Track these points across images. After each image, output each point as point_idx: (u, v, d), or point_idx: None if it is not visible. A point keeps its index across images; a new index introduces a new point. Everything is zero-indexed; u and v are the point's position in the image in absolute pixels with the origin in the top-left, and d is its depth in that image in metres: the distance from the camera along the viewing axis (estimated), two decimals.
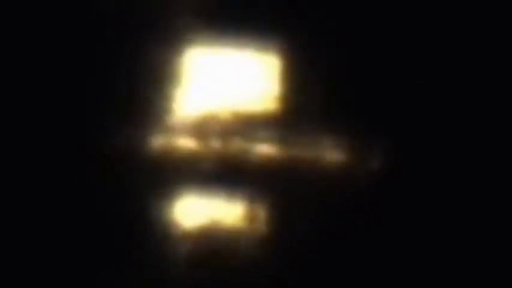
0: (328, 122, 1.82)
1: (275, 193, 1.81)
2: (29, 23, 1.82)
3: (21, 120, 1.81)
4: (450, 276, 1.80)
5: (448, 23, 1.84)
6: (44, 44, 1.82)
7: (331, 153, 1.82)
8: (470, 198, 1.81)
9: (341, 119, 1.82)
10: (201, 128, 1.82)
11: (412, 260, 1.80)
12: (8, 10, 1.81)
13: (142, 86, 1.82)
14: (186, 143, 1.82)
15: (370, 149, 1.82)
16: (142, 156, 1.80)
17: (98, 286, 1.78)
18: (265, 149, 1.82)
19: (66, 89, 1.81)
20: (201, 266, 1.80)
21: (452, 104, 1.83)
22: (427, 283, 1.80)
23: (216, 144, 1.82)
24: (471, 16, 1.84)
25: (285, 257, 1.80)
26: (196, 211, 1.82)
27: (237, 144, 1.81)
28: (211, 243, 1.80)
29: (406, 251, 1.79)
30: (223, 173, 1.81)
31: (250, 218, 1.81)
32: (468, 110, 1.83)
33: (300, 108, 1.82)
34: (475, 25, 1.84)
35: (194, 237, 1.80)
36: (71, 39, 1.82)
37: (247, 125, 1.82)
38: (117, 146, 1.80)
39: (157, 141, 1.81)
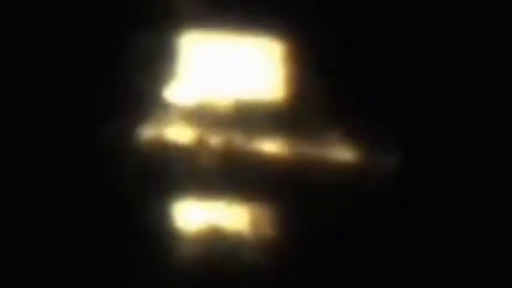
0: (335, 116, 1.81)
1: (280, 191, 1.80)
2: (21, 16, 1.80)
3: (13, 113, 1.80)
4: (462, 275, 1.78)
5: (459, 15, 1.83)
6: (35, 33, 1.81)
7: (338, 149, 1.80)
8: (481, 195, 1.81)
9: (349, 113, 1.81)
10: (200, 121, 1.80)
11: (424, 261, 1.79)
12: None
13: (138, 75, 1.80)
14: (186, 136, 1.80)
15: (379, 144, 1.81)
16: (140, 150, 1.79)
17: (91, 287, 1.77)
18: (268, 144, 1.80)
19: (59, 80, 1.81)
20: (201, 269, 1.78)
21: (463, 99, 1.83)
22: (438, 284, 1.77)
23: (216, 138, 1.80)
24: (481, 9, 1.82)
25: (290, 261, 1.79)
26: (195, 210, 1.80)
27: (239, 138, 1.79)
28: (211, 247, 1.79)
29: (418, 251, 1.79)
30: (223, 170, 1.79)
31: (253, 218, 1.79)
32: (481, 105, 1.83)
33: (306, 100, 1.81)
34: (486, 19, 1.83)
35: (193, 239, 1.79)
36: (64, 27, 1.81)
37: (250, 118, 1.80)
38: (110, 140, 1.78)
39: (153, 135, 1.79)
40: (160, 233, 1.79)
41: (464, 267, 1.79)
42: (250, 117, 1.81)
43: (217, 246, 1.79)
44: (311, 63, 1.83)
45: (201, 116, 1.81)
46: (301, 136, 1.81)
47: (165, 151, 1.80)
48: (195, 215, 1.80)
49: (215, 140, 1.80)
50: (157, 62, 1.82)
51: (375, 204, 1.79)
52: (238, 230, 1.80)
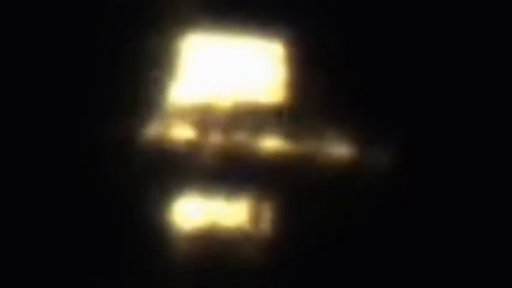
0: (335, 114, 1.80)
1: (280, 190, 1.79)
2: (21, 16, 1.80)
3: (13, 113, 1.79)
4: (458, 272, 1.78)
5: (459, 15, 1.82)
6: (35, 33, 1.81)
7: (337, 148, 1.79)
8: (478, 193, 1.80)
9: (348, 112, 1.80)
10: (202, 120, 1.80)
11: (421, 259, 1.78)
12: None
13: (141, 75, 1.79)
14: (186, 135, 1.79)
15: (378, 142, 1.80)
16: (140, 149, 1.78)
17: (91, 287, 1.76)
18: (269, 142, 1.79)
19: (63, 78, 1.80)
20: (201, 269, 1.78)
21: (462, 96, 1.82)
22: (437, 282, 1.77)
23: (217, 137, 1.79)
24: (481, 9, 1.82)
25: (290, 257, 1.78)
26: (196, 209, 1.79)
27: (240, 137, 1.79)
28: (212, 244, 1.78)
29: (415, 249, 1.78)
30: (225, 168, 1.78)
31: (254, 216, 1.79)
32: (480, 101, 1.82)
33: (306, 99, 1.80)
34: (486, 19, 1.83)
35: (194, 238, 1.78)
36: (64, 27, 1.81)
37: (251, 117, 1.80)
38: (110, 140, 1.78)
39: (156, 134, 1.79)
40: (161, 233, 1.78)
41: (461, 264, 1.78)
42: (250, 116, 1.81)
43: (217, 244, 1.79)
44: (311, 63, 1.82)
45: (201, 116, 1.81)
46: (300, 135, 1.80)
47: (166, 151, 1.79)
48: (195, 214, 1.80)
49: (215, 138, 1.80)
50: (157, 62, 1.82)
51: (373, 202, 1.78)
52: (238, 228, 1.79)
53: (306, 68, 1.82)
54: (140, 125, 1.79)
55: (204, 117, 1.80)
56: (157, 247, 1.78)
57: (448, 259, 1.79)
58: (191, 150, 1.80)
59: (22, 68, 1.80)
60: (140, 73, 1.80)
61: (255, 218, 1.79)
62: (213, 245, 1.79)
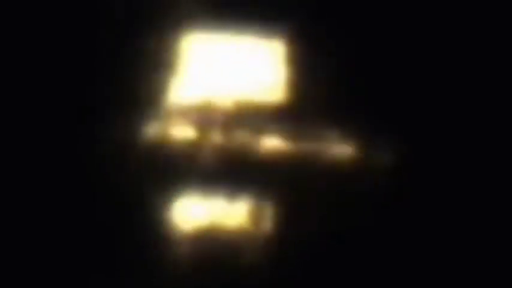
0: (336, 114, 1.80)
1: (280, 189, 1.79)
2: (21, 16, 1.80)
3: (13, 113, 1.79)
4: (461, 272, 1.77)
5: (459, 15, 1.82)
6: (35, 33, 1.81)
7: (338, 147, 1.79)
8: (481, 191, 1.80)
9: (349, 112, 1.80)
10: (203, 120, 1.80)
11: (422, 259, 1.78)
12: None
13: (141, 75, 1.79)
14: (187, 135, 1.79)
15: (379, 142, 1.80)
16: (140, 149, 1.78)
17: (91, 287, 1.76)
18: (269, 141, 1.79)
19: (63, 78, 1.80)
20: (201, 269, 1.77)
21: (463, 96, 1.82)
22: (437, 282, 1.77)
23: (217, 136, 1.79)
24: (481, 9, 1.82)
25: (290, 258, 1.78)
26: (196, 209, 1.79)
27: (240, 137, 1.78)
28: (212, 244, 1.78)
29: (416, 249, 1.77)
30: (225, 167, 1.78)
31: (254, 216, 1.79)
32: (481, 101, 1.82)
33: (307, 98, 1.80)
34: (486, 19, 1.82)
35: (194, 238, 1.78)
36: (64, 27, 1.81)
37: (251, 117, 1.80)
38: (110, 140, 1.77)
39: (157, 133, 1.79)
40: (161, 233, 1.78)
41: (461, 264, 1.78)
42: (250, 116, 1.80)
43: (217, 244, 1.78)
44: (311, 63, 1.82)
45: (202, 115, 1.80)
46: (301, 134, 1.80)
47: (166, 150, 1.79)
48: (195, 214, 1.79)
49: (216, 138, 1.79)
50: (157, 62, 1.81)
51: (374, 202, 1.78)
52: (238, 228, 1.79)
53: (307, 67, 1.82)
54: (140, 125, 1.79)
55: (204, 117, 1.80)
56: (157, 247, 1.77)
57: (448, 259, 1.79)
58: (191, 149, 1.79)
59: (22, 68, 1.80)
60: (140, 73, 1.80)
61: (256, 217, 1.79)
62: (213, 245, 1.78)
